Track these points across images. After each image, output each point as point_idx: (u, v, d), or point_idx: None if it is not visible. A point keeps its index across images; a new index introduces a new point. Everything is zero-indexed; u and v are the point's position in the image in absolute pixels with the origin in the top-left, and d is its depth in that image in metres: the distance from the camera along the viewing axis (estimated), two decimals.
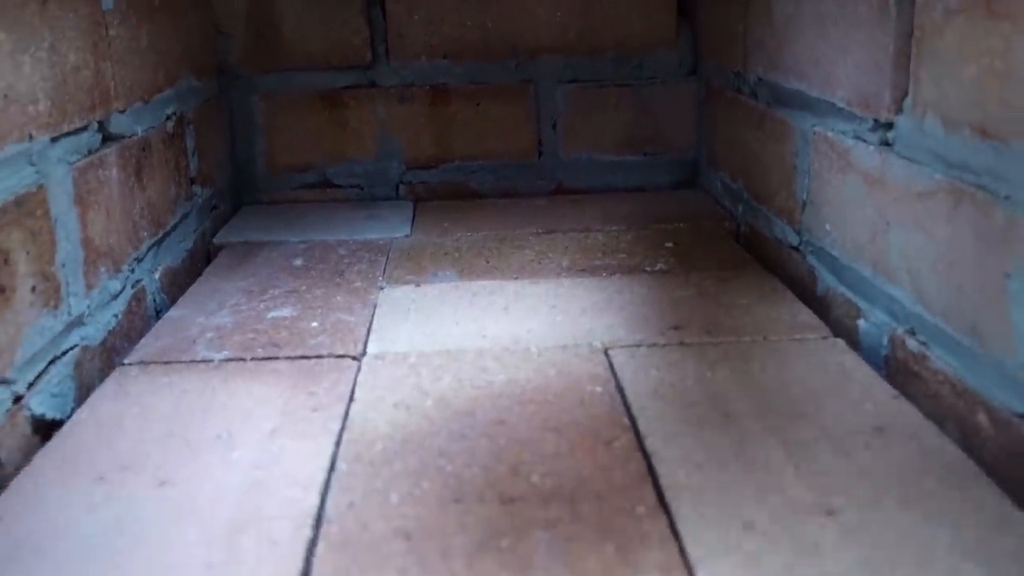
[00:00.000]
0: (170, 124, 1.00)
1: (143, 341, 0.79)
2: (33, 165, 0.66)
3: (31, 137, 0.66)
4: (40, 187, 0.67)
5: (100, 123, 0.80)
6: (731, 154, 1.17)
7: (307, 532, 0.50)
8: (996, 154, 0.59)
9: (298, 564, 0.47)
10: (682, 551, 0.48)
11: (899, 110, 0.71)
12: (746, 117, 1.10)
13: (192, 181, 1.07)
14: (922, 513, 0.51)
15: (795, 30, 0.92)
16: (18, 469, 0.58)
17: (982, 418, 0.60)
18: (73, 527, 0.51)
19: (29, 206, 0.65)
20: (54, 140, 0.70)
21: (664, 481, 0.54)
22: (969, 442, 0.61)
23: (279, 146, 1.30)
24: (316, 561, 0.48)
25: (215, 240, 1.10)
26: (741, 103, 1.11)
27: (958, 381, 0.63)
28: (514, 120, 1.31)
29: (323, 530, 0.50)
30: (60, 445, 0.60)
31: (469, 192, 1.32)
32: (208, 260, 1.07)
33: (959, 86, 0.62)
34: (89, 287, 0.75)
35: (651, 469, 0.56)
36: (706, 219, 1.14)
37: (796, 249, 0.94)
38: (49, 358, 0.67)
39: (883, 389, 0.66)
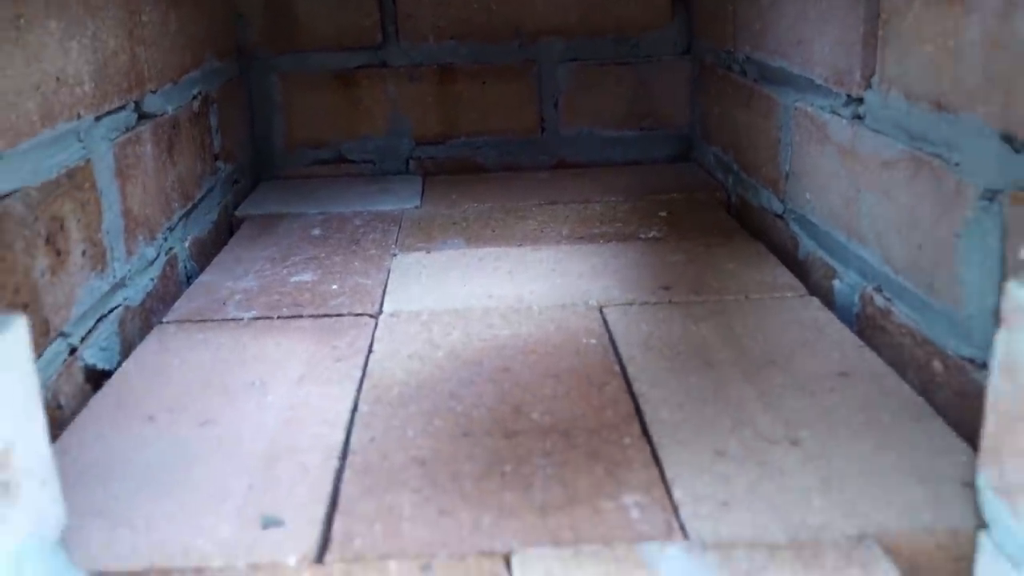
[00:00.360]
0: (196, 103, 1.06)
1: (178, 303, 0.85)
2: (81, 141, 0.72)
3: (79, 116, 0.72)
4: (87, 161, 0.73)
5: (136, 103, 0.86)
6: (722, 128, 1.23)
7: (334, 462, 0.57)
8: (949, 125, 0.64)
9: (327, 487, 0.54)
10: (661, 472, 0.54)
11: (868, 86, 0.77)
12: (735, 93, 1.15)
13: (216, 157, 1.13)
14: (875, 443, 0.57)
15: (778, 11, 0.98)
16: (75, 413, 0.65)
17: (937, 364, 0.66)
18: (131, 458, 0.58)
19: (78, 179, 0.71)
20: (98, 119, 0.76)
21: (648, 418, 0.61)
22: (926, 386, 0.67)
23: (295, 124, 1.36)
24: (343, 484, 0.54)
25: (237, 212, 1.17)
26: (731, 80, 1.17)
27: (918, 332, 0.69)
28: (517, 98, 1.36)
29: (349, 460, 0.57)
30: (112, 391, 0.67)
31: (475, 166, 1.38)
32: (231, 231, 1.13)
33: (918, 64, 0.68)
34: (129, 253, 0.81)
35: (638, 408, 0.62)
36: (699, 190, 1.20)
37: (780, 217, 1.00)
38: (97, 315, 0.74)
39: (851, 340, 0.73)
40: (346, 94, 1.35)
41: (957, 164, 0.63)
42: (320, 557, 0.48)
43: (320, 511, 0.51)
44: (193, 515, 0.51)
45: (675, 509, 0.51)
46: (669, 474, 0.54)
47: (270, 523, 0.50)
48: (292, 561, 0.47)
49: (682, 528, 0.49)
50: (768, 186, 1.04)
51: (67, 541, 0.44)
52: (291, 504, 0.52)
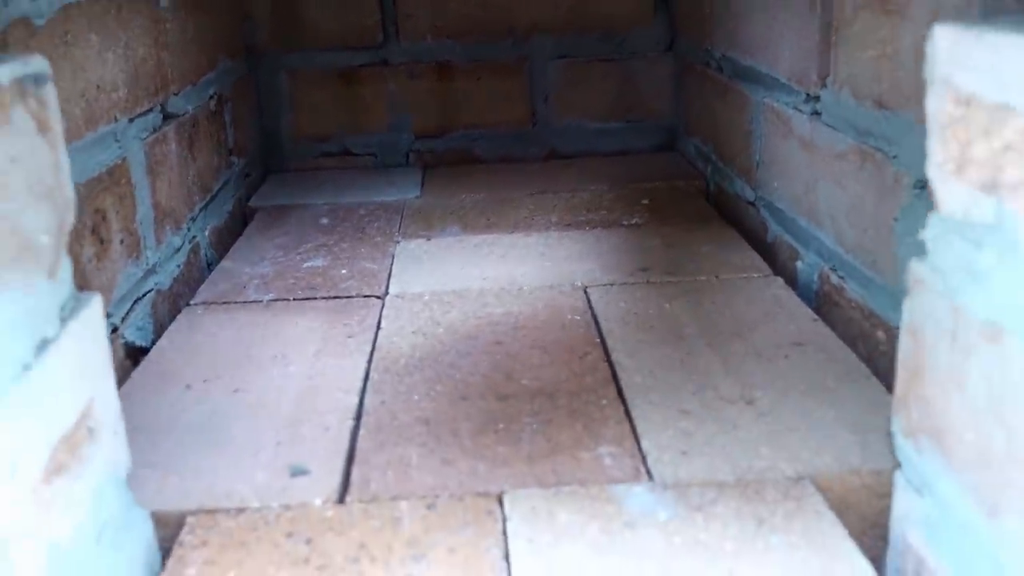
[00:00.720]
0: (212, 102, 1.13)
1: (203, 287, 0.93)
2: (118, 142, 0.80)
3: (115, 119, 0.80)
4: (123, 160, 0.81)
5: (161, 105, 0.94)
6: (702, 121, 1.30)
7: (350, 422, 0.65)
8: (888, 122, 0.72)
9: (345, 442, 0.62)
10: (632, 428, 0.63)
11: (823, 85, 0.85)
12: (713, 88, 1.23)
13: (230, 152, 1.21)
14: (819, 401, 0.65)
15: (749, 16, 1.06)
16: (119, 384, 0.73)
17: (880, 334, 0.75)
18: (174, 420, 0.66)
19: (116, 175, 0.79)
20: (131, 121, 0.84)
21: (623, 382, 0.69)
22: (871, 354, 0.76)
23: (302, 119, 1.43)
24: (359, 440, 0.63)
25: (250, 203, 1.24)
26: (709, 76, 1.25)
27: (865, 306, 0.78)
28: (511, 93, 1.44)
29: (363, 420, 0.65)
30: (151, 365, 0.75)
31: (472, 158, 1.46)
32: (245, 221, 1.21)
33: (863, 67, 0.76)
34: (159, 242, 0.89)
35: (614, 375, 0.71)
36: (680, 179, 1.28)
37: (752, 204, 1.08)
38: (134, 298, 0.82)
39: (806, 315, 0.81)
40: (349, 90, 1.43)
41: (895, 157, 0.71)
42: (341, 499, 0.56)
43: (340, 462, 0.60)
44: (232, 466, 0.59)
45: (643, 458, 0.59)
46: (639, 429, 0.62)
47: (298, 472, 0.58)
48: (318, 502, 0.56)
49: (648, 472, 0.57)
50: (742, 175, 1.12)
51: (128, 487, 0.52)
52: (315, 456, 0.60)
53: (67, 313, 0.44)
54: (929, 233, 0.46)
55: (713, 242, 1.01)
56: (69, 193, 0.45)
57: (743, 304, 0.84)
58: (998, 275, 0.40)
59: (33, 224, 0.41)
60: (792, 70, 0.93)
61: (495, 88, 1.43)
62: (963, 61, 0.41)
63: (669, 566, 0.49)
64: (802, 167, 0.91)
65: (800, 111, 0.91)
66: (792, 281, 0.93)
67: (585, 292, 0.88)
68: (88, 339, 0.46)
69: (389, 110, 1.44)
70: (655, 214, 1.13)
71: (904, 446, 0.50)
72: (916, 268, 0.47)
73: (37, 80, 0.43)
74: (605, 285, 0.89)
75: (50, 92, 0.44)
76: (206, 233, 1.06)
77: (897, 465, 0.51)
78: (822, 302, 0.87)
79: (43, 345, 0.41)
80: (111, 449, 0.48)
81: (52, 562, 0.40)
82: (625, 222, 1.10)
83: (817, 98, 0.86)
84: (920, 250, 0.47)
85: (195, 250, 1.01)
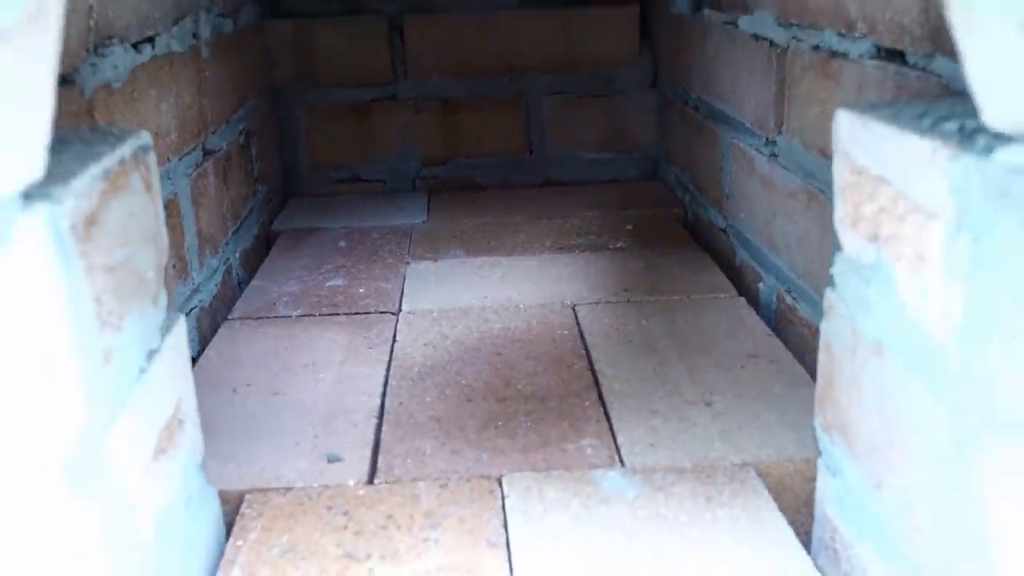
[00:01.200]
0: (241, 138, 1.26)
1: (238, 304, 1.05)
2: (170, 180, 0.92)
3: (168, 160, 0.92)
4: (175, 195, 0.93)
5: (203, 144, 1.06)
6: (681, 153, 1.43)
7: (375, 419, 0.77)
8: (828, 167, 0.85)
9: (371, 436, 0.74)
10: (610, 425, 0.75)
11: (779, 132, 0.97)
12: (690, 125, 1.35)
13: (256, 180, 1.33)
14: (766, 404, 0.77)
15: (719, 65, 1.18)
16: None
17: None
18: (225, 417, 0.78)
19: (169, 209, 0.91)
20: (179, 160, 0.96)
21: (603, 388, 0.81)
22: (816, 366, 0.87)
23: (318, 149, 1.56)
24: (383, 434, 0.75)
25: (273, 227, 1.36)
26: (687, 114, 1.37)
27: (813, 324, 0.90)
28: (509, 125, 1.56)
29: (385, 418, 0.77)
30: (201, 373, 0.87)
31: (473, 185, 1.58)
32: (269, 243, 1.33)
33: (810, 120, 0.88)
34: (201, 265, 1.01)
35: (596, 381, 0.83)
36: (662, 206, 1.40)
37: (723, 231, 1.20)
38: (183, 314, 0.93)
39: (763, 331, 0.93)
40: (361, 123, 1.55)
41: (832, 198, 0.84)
42: (370, 480, 0.68)
43: (367, 451, 0.72)
44: (278, 455, 0.71)
45: (617, 449, 0.71)
46: (615, 426, 0.74)
47: (333, 459, 0.70)
48: (351, 483, 0.67)
49: (621, 460, 0.69)
50: (714, 204, 1.24)
51: None
52: (346, 447, 0.72)
53: (164, 330, 0.56)
54: (836, 269, 0.58)
55: (687, 265, 1.13)
56: (165, 237, 0.57)
57: (710, 321, 0.96)
58: (880, 305, 0.52)
59: (144, 264, 0.53)
60: (754, 116, 1.05)
61: (494, 121, 1.56)
62: (856, 140, 0.54)
63: (634, 533, 0.61)
64: (763, 201, 1.03)
65: (761, 152, 1.03)
66: (755, 301, 1.05)
67: (573, 310, 1.00)
68: (177, 350, 0.58)
69: (398, 141, 1.56)
70: (638, 239, 1.25)
71: (823, 438, 0.62)
72: (828, 296, 0.60)
73: (145, 150, 0.55)
74: (591, 304, 1.01)
75: (152, 158, 0.56)
76: (237, 255, 1.18)
77: (819, 454, 0.64)
78: (779, 320, 0.99)
79: (151, 355, 0.53)
80: (193, 437, 0.60)
81: (158, 522, 0.52)
82: (611, 246, 1.22)
83: (775, 142, 0.99)
84: (832, 282, 0.59)
85: (228, 271, 1.13)
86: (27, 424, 0.37)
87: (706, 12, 1.22)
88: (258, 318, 1.01)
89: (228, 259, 1.14)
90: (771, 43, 0.98)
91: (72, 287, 0.42)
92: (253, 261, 1.24)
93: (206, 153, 1.08)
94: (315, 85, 1.53)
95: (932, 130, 0.46)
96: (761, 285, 1.05)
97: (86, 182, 0.45)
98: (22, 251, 0.36)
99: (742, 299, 1.02)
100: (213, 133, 1.11)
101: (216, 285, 1.07)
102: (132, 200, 0.52)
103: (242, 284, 1.17)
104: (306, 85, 1.53)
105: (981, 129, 0.42)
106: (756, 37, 1.02)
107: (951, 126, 0.45)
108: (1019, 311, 0.39)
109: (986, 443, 0.42)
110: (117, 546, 0.45)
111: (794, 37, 0.91)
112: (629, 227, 1.31)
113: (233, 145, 1.21)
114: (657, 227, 1.31)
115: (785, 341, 0.93)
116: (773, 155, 1.00)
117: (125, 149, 0.51)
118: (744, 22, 1.06)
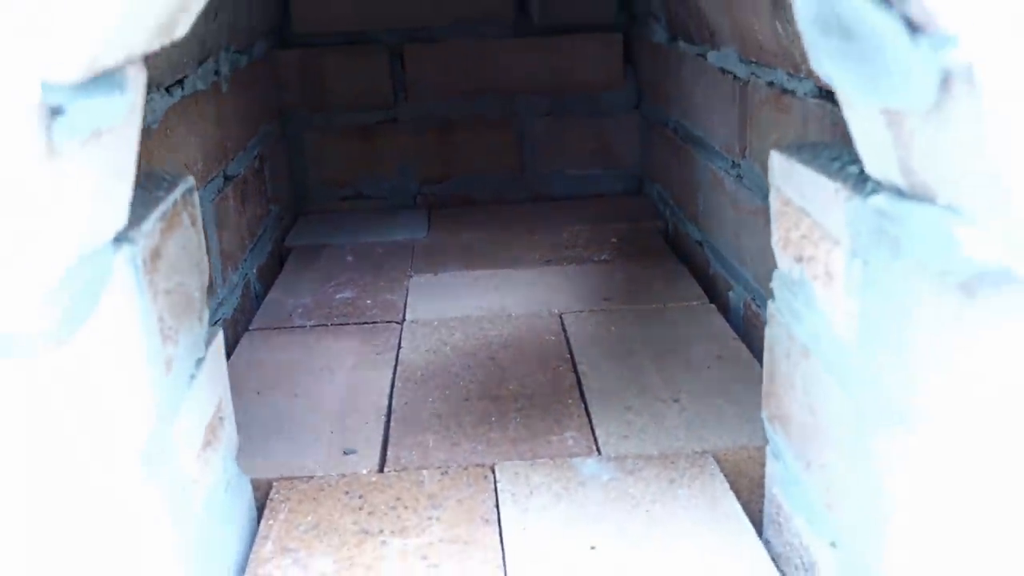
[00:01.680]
0: (256, 162, 1.36)
1: (257, 316, 1.15)
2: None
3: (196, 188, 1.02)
4: (202, 220, 1.03)
5: (224, 170, 1.16)
6: (662, 171, 1.53)
7: (383, 417, 0.87)
8: None
9: (381, 431, 0.84)
10: (589, 420, 0.84)
11: (743, 156, 1.07)
12: (669, 146, 1.45)
13: (269, 201, 1.43)
14: (727, 401, 0.87)
15: (693, 92, 1.28)
16: None
17: None
18: (251, 415, 0.88)
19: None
20: (204, 187, 1.06)
21: (585, 387, 0.91)
22: None
23: (325, 169, 1.66)
24: (391, 430, 0.84)
25: (286, 243, 1.46)
26: (667, 135, 1.47)
27: None
28: (502, 145, 1.66)
29: (392, 415, 0.87)
30: (228, 377, 0.97)
31: (469, 200, 1.68)
32: (281, 258, 1.43)
33: (767, 146, 0.98)
34: (224, 281, 1.11)
35: (579, 382, 0.93)
36: (644, 220, 1.50)
37: (699, 243, 1.30)
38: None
39: (730, 336, 1.03)
40: (365, 144, 1.65)
41: None
42: (381, 469, 0.78)
43: (378, 445, 0.81)
44: (300, 448, 0.81)
45: (595, 440, 0.81)
46: (594, 421, 0.84)
47: (349, 451, 0.80)
48: (364, 471, 0.77)
49: (598, 450, 0.79)
50: (691, 219, 1.34)
51: None
52: (360, 441, 0.82)
53: (207, 342, 0.66)
54: (774, 284, 0.68)
55: (665, 277, 1.23)
56: (206, 263, 0.67)
57: (682, 327, 1.06)
58: (805, 315, 0.62)
59: (192, 286, 0.63)
60: (723, 142, 1.15)
61: (489, 141, 1.66)
62: (785, 177, 0.64)
63: (606, 509, 0.70)
64: (731, 218, 1.13)
65: (729, 174, 1.13)
66: (726, 308, 1.15)
67: (560, 318, 1.10)
68: (217, 358, 0.67)
69: (399, 160, 1.66)
70: (621, 251, 1.35)
71: (768, 428, 0.72)
72: (770, 306, 0.69)
73: (190, 191, 0.65)
74: (576, 312, 1.11)
75: (195, 197, 0.66)
76: (254, 270, 1.28)
77: (767, 442, 0.73)
78: (746, 325, 1.09)
79: (199, 363, 0.63)
80: (231, 432, 0.69)
81: (205, 501, 0.62)
82: (595, 259, 1.32)
83: (739, 165, 1.09)
84: (771, 295, 0.69)
85: (247, 285, 1.23)
86: (114, 420, 0.47)
87: (681, 44, 1.33)
88: (276, 328, 1.11)
89: (247, 274, 1.24)
90: (735, 76, 1.08)
91: (144, 308, 0.52)
92: (268, 275, 1.34)
93: (226, 179, 1.18)
94: (322, 109, 1.63)
95: (838, 173, 0.56)
96: (731, 293, 1.15)
97: (151, 224, 0.55)
98: (117, 281, 0.46)
99: (712, 306, 1.12)
100: (232, 160, 1.21)
101: (237, 299, 1.17)
102: (183, 234, 0.62)
103: (259, 297, 1.27)
104: (313, 109, 1.63)
105: (870, 176, 0.52)
106: (722, 70, 1.12)
107: (853, 170, 0.55)
108: (894, 323, 0.48)
109: (878, 431, 0.52)
110: (178, 518, 0.55)
111: (753, 73, 1.02)
112: (613, 240, 1.41)
113: (249, 169, 1.31)
114: (639, 240, 1.41)
115: (751, 344, 1.02)
116: (739, 176, 1.10)
117: (176, 193, 0.62)
118: (712, 56, 1.16)
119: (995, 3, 0.30)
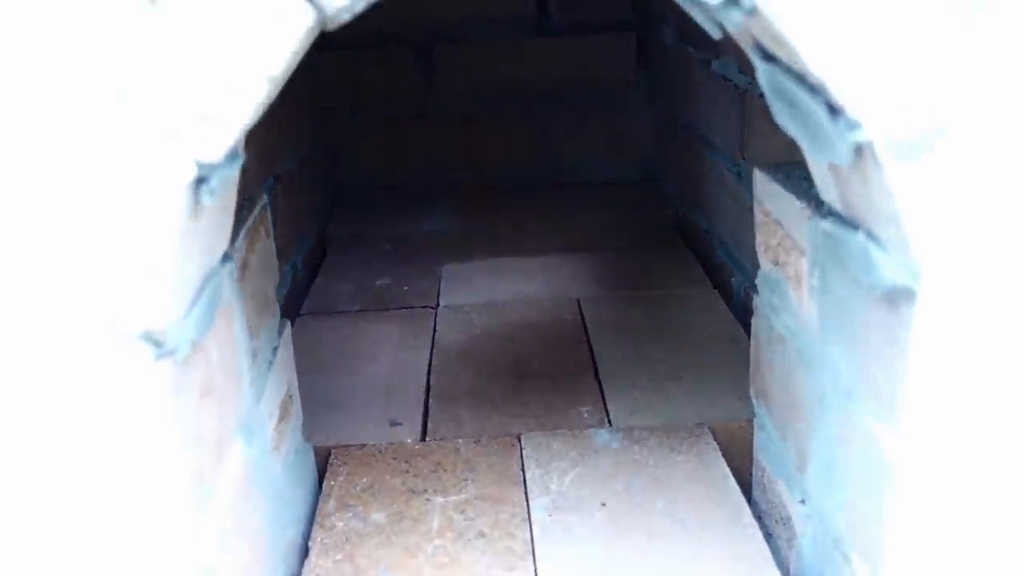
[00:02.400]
0: (300, 159, 1.47)
1: (306, 302, 1.27)
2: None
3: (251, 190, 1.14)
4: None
5: (274, 171, 1.28)
6: (673, 164, 1.63)
7: (423, 393, 0.99)
8: None
9: (421, 406, 0.96)
10: (603, 396, 0.96)
11: (743, 157, 1.18)
12: (679, 143, 1.56)
13: (311, 194, 1.55)
14: (724, 378, 0.99)
15: (700, 96, 1.38)
16: None
17: None
18: (310, 393, 1.00)
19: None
20: (258, 188, 1.18)
21: (600, 367, 1.03)
22: None
23: (360, 162, 1.77)
24: (430, 405, 0.97)
25: (327, 232, 1.58)
26: (677, 132, 1.57)
27: None
28: (524, 138, 1.77)
29: (431, 392, 0.99)
30: None
31: (494, 190, 1.79)
32: (323, 246, 1.55)
33: (765, 148, 1.09)
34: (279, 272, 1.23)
35: (594, 361, 1.04)
36: (656, 210, 1.60)
37: (706, 232, 1.41)
38: None
39: (730, 319, 1.14)
40: (397, 138, 1.76)
41: None
42: (423, 438, 0.90)
43: (419, 418, 0.94)
44: (353, 420, 0.94)
45: (607, 413, 0.93)
46: (607, 397, 0.96)
47: (395, 423, 0.92)
48: (409, 441, 0.90)
49: (610, 422, 0.91)
50: (699, 210, 1.44)
51: None
52: (404, 415, 0.94)
53: (279, 332, 0.78)
54: (758, 281, 0.79)
55: (674, 263, 1.34)
56: (276, 266, 0.79)
57: (688, 312, 1.17)
58: (781, 310, 0.73)
59: (268, 287, 0.75)
60: (726, 144, 1.25)
61: (511, 134, 1.77)
62: (765, 192, 0.75)
63: (615, 471, 0.82)
64: (732, 211, 1.24)
65: (731, 172, 1.24)
66: (729, 294, 1.26)
67: (578, 303, 1.21)
68: (287, 346, 0.80)
69: (427, 153, 1.77)
70: (633, 239, 1.46)
71: (755, 403, 0.83)
72: (755, 299, 0.81)
73: (265, 208, 0.77)
74: (592, 297, 1.23)
75: (268, 211, 0.78)
76: (300, 260, 1.40)
77: (754, 415, 0.85)
78: (745, 310, 1.20)
79: (274, 350, 0.75)
80: (297, 407, 0.82)
81: (282, 464, 0.74)
82: (611, 246, 1.43)
83: (739, 165, 1.19)
84: (756, 289, 0.80)
85: (295, 273, 1.35)
86: (225, 402, 0.59)
87: (689, 48, 1.42)
88: (324, 313, 1.23)
89: (295, 264, 1.36)
90: (735, 84, 1.18)
91: (239, 309, 0.64)
92: (313, 264, 1.46)
93: (276, 178, 1.29)
94: (357, 106, 1.75)
95: (805, 193, 0.67)
96: (733, 280, 1.26)
97: (240, 240, 0.67)
98: (225, 292, 0.58)
99: (716, 293, 1.23)
100: (281, 159, 1.33)
101: (287, 287, 1.29)
102: (262, 245, 0.74)
103: (305, 284, 1.39)
104: (349, 106, 1.75)
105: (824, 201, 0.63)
106: (724, 78, 1.23)
107: (815, 192, 0.66)
108: (843, 322, 0.60)
109: (833, 408, 0.63)
110: (265, 476, 0.68)
111: (750, 83, 1.12)
112: (627, 228, 1.51)
113: (294, 166, 1.43)
114: (651, 228, 1.51)
115: (747, 329, 1.13)
116: (739, 175, 1.20)
117: (256, 210, 0.73)
118: (715, 64, 1.26)
119: (890, 103, 0.41)
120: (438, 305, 1.23)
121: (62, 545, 0.48)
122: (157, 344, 0.46)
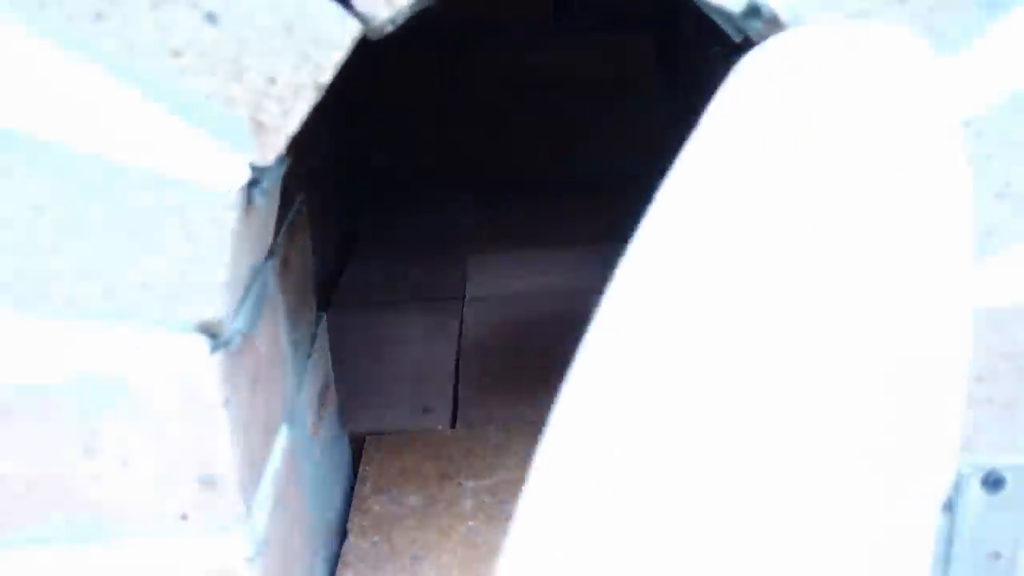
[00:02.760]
0: (330, 156, 1.50)
1: (337, 294, 1.30)
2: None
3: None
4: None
5: (307, 170, 1.30)
6: None
7: (452, 382, 1.02)
8: None
9: (451, 394, 0.99)
10: None
11: None
12: None
13: (339, 189, 1.58)
14: None
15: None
16: None
17: None
18: (344, 380, 1.03)
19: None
20: (295, 182, 1.21)
21: None
22: None
23: (389, 156, 1.80)
24: (460, 392, 0.99)
25: (356, 226, 1.61)
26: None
27: None
28: (546, 131, 1.79)
29: (460, 380, 1.02)
30: None
31: (520, 184, 1.81)
32: (351, 240, 1.58)
33: None
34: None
35: None
36: None
37: None
38: None
39: None
40: (423, 134, 1.79)
41: None
42: (453, 425, 0.93)
43: (449, 405, 0.97)
44: (386, 407, 0.97)
45: None
46: None
47: (426, 410, 0.95)
48: (440, 427, 0.92)
49: None
50: None
51: None
52: (434, 402, 0.97)
53: (317, 323, 0.81)
54: None
55: None
56: (311, 261, 0.82)
57: None
58: None
59: (305, 281, 0.78)
60: None
61: (533, 128, 1.79)
62: None
63: None
64: None
65: None
66: None
67: (601, 295, 1.23)
68: (324, 337, 0.83)
69: (453, 148, 1.80)
70: None
71: None
72: None
73: (303, 205, 0.79)
74: None
75: (305, 210, 0.81)
76: (331, 252, 1.43)
77: None
78: None
79: (313, 341, 0.78)
80: (334, 395, 0.85)
81: (321, 451, 0.77)
82: (630, 238, 1.45)
83: None
84: None
85: (326, 266, 1.38)
86: (274, 393, 0.62)
87: (707, 43, 1.44)
88: (355, 305, 1.26)
89: (325, 256, 1.39)
90: None
91: (282, 303, 0.67)
92: (341, 257, 1.50)
93: (309, 173, 1.32)
94: (384, 102, 1.77)
95: None
96: None
97: (282, 237, 0.69)
98: (270, 286, 0.61)
99: None
100: (312, 155, 1.36)
101: (319, 280, 1.32)
102: (301, 242, 0.77)
103: (335, 276, 1.42)
104: (377, 102, 1.77)
105: None
106: None
107: None
108: None
109: None
110: (308, 461, 0.71)
111: None
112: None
113: (324, 162, 1.45)
114: None
115: None
116: None
117: (295, 207, 0.76)
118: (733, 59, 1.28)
119: None
120: (465, 296, 1.26)
121: (124, 522, 0.51)
122: (213, 336, 0.49)
